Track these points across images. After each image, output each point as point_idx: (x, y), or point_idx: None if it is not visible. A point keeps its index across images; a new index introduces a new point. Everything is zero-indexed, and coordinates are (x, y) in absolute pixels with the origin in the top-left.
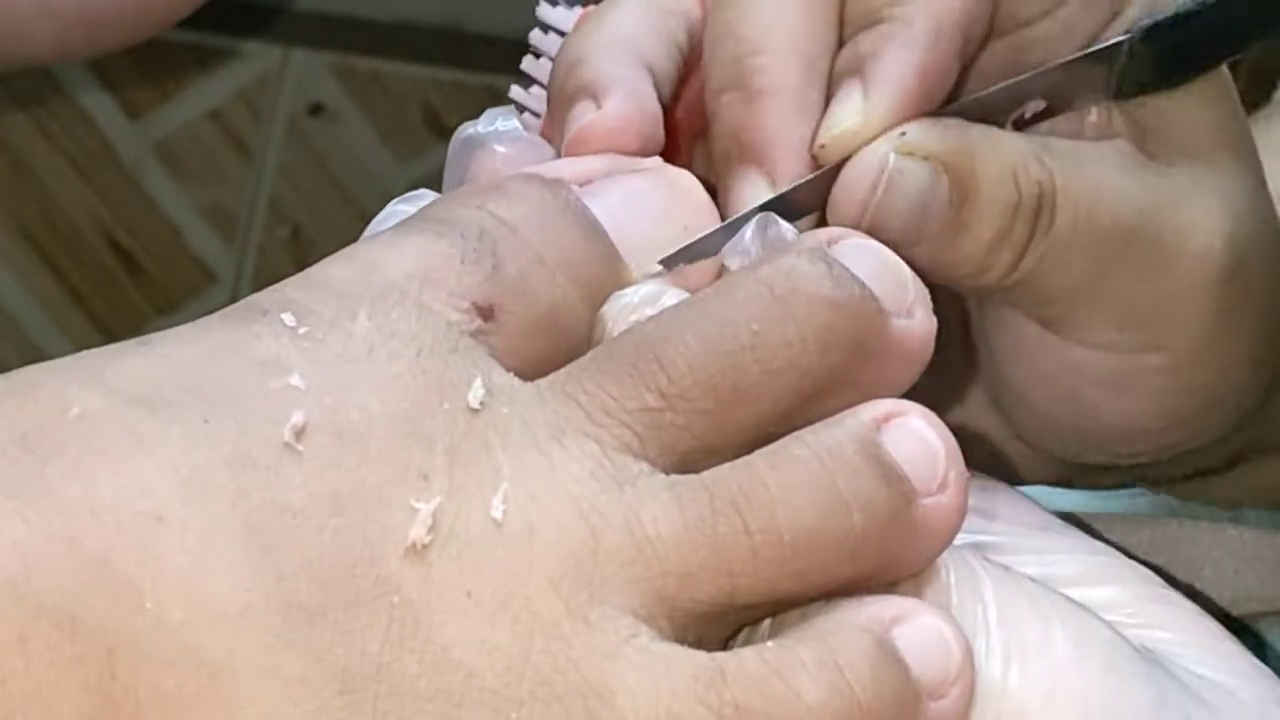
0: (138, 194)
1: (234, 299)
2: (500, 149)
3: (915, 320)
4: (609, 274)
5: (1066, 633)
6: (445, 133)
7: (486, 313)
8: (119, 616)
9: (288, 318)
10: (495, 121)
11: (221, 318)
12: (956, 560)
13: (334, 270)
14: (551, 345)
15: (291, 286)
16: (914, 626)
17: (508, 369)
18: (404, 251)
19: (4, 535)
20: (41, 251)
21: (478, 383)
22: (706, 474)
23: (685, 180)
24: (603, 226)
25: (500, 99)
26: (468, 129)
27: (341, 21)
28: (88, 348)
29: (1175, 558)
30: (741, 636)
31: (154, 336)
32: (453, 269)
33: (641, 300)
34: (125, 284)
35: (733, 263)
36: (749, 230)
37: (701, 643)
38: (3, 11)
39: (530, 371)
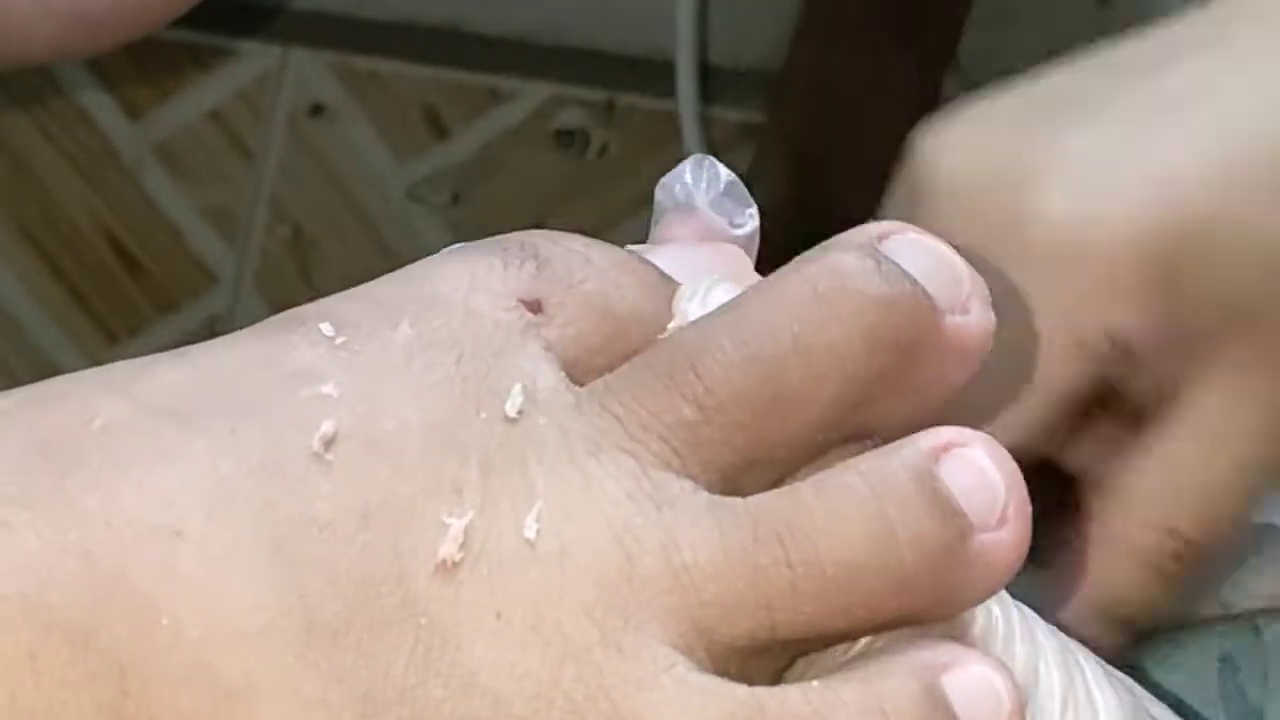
0: (138, 194)
1: (235, 299)
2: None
3: (971, 316)
4: (661, 281)
5: (1111, 710)
6: (445, 132)
7: (534, 306)
8: (133, 633)
9: (326, 328)
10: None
11: (258, 329)
12: (1021, 619)
13: (377, 287)
14: (612, 332)
15: (333, 300)
16: (965, 675)
17: (566, 363)
18: (447, 266)
19: (18, 548)
20: (41, 251)
21: (517, 389)
22: (751, 500)
23: (732, 249)
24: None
25: (500, 99)
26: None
27: (341, 21)
28: (88, 348)
29: None
30: (797, 669)
31: (189, 348)
32: (497, 273)
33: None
34: (125, 283)
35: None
36: (687, 168)
37: (747, 675)
38: (2, 11)
39: (592, 366)
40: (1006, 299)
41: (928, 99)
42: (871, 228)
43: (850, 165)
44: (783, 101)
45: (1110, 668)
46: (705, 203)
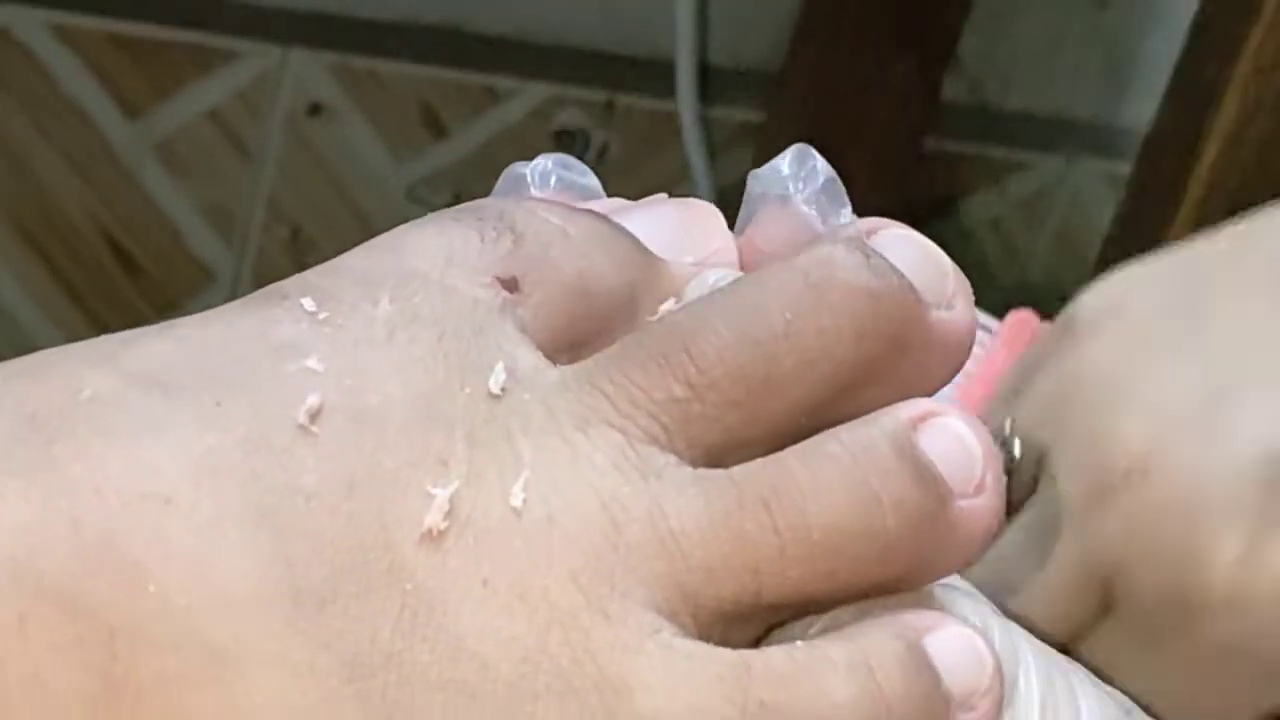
0: (136, 193)
1: (233, 298)
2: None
3: (956, 312)
4: (639, 254)
5: (1090, 697)
6: (444, 132)
7: (510, 284)
8: (122, 598)
9: (308, 302)
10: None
11: (242, 304)
12: (997, 620)
13: (354, 260)
14: (585, 312)
15: (314, 274)
16: (947, 635)
17: (539, 344)
18: (423, 238)
19: (6, 515)
20: (40, 250)
21: (499, 367)
22: (735, 469)
23: (703, 204)
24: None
25: (499, 99)
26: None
27: (341, 21)
28: None
29: None
30: (772, 637)
31: (173, 322)
32: (473, 247)
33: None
34: (124, 283)
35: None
36: (786, 160)
37: (728, 642)
38: None
39: (564, 343)
40: None
41: (928, 99)
42: (862, 222)
43: (850, 165)
44: (783, 101)
45: (1099, 681)
46: (801, 198)
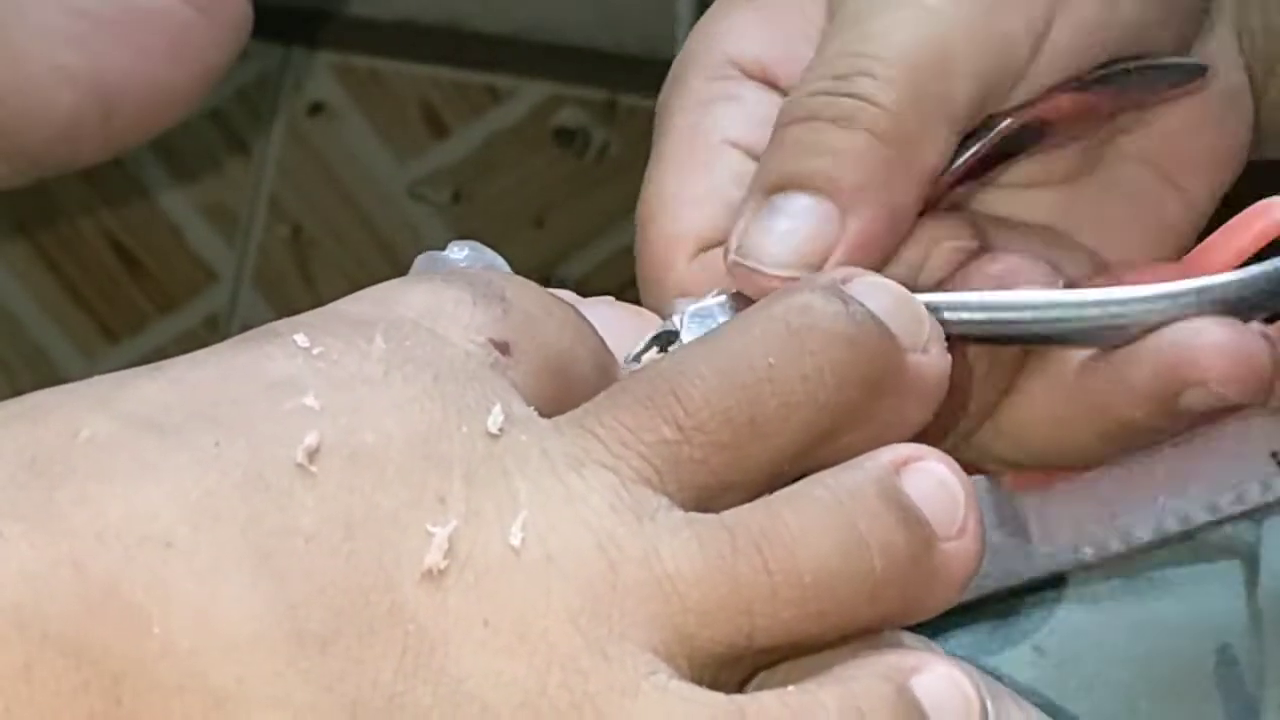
0: (138, 193)
1: (234, 298)
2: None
3: (931, 356)
4: (604, 349)
5: None
6: (445, 132)
7: (503, 348)
8: (126, 643)
9: (300, 339)
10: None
11: (234, 342)
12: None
13: (346, 305)
14: (562, 393)
15: (306, 316)
16: (933, 676)
17: (527, 402)
18: (415, 293)
19: (10, 560)
20: (41, 250)
21: (497, 409)
22: (726, 514)
23: (645, 311)
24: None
25: (499, 98)
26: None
27: (341, 21)
28: (88, 347)
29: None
30: (757, 680)
31: (167, 362)
32: (465, 307)
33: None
34: (125, 283)
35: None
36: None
37: (718, 685)
38: (20, 79)
39: (544, 414)
40: None
41: None
42: (837, 271)
43: None
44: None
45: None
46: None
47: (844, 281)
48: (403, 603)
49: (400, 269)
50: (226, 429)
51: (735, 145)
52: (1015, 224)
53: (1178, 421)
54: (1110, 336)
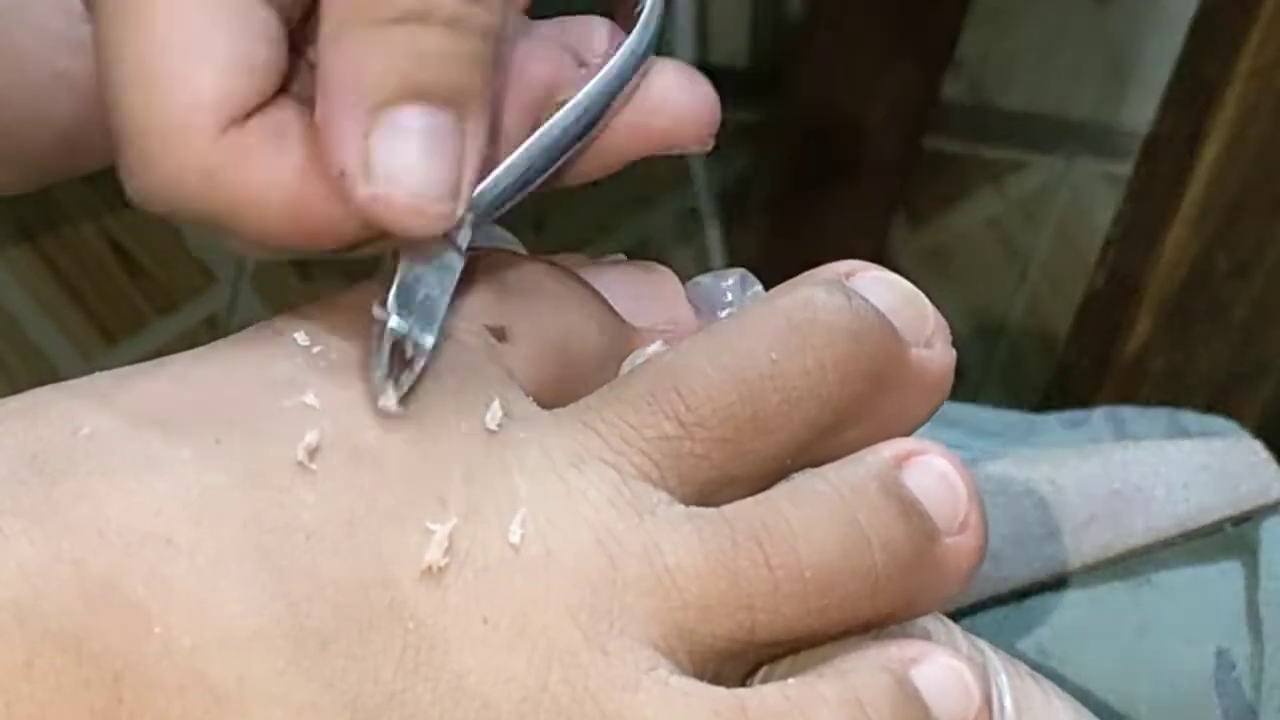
0: None
1: (234, 299)
2: None
3: (934, 351)
4: (611, 317)
5: (1065, 703)
6: None
7: (500, 333)
8: (126, 640)
9: (300, 336)
10: None
11: (234, 339)
12: (966, 637)
13: (346, 297)
14: (565, 370)
15: (304, 309)
16: (934, 666)
17: (526, 393)
18: None
19: (11, 557)
20: (41, 251)
21: (495, 405)
22: (727, 508)
23: (658, 266)
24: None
25: None
26: None
27: None
28: (88, 348)
29: (1128, 482)
30: (760, 675)
31: (167, 359)
32: (463, 294)
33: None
34: (125, 284)
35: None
36: (729, 281)
37: (720, 680)
38: (22, 84)
39: (547, 397)
40: None
41: (927, 99)
42: (840, 265)
43: (850, 164)
44: (783, 101)
45: (1062, 691)
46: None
47: (847, 276)
48: (403, 600)
49: None
50: (227, 426)
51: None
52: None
53: None
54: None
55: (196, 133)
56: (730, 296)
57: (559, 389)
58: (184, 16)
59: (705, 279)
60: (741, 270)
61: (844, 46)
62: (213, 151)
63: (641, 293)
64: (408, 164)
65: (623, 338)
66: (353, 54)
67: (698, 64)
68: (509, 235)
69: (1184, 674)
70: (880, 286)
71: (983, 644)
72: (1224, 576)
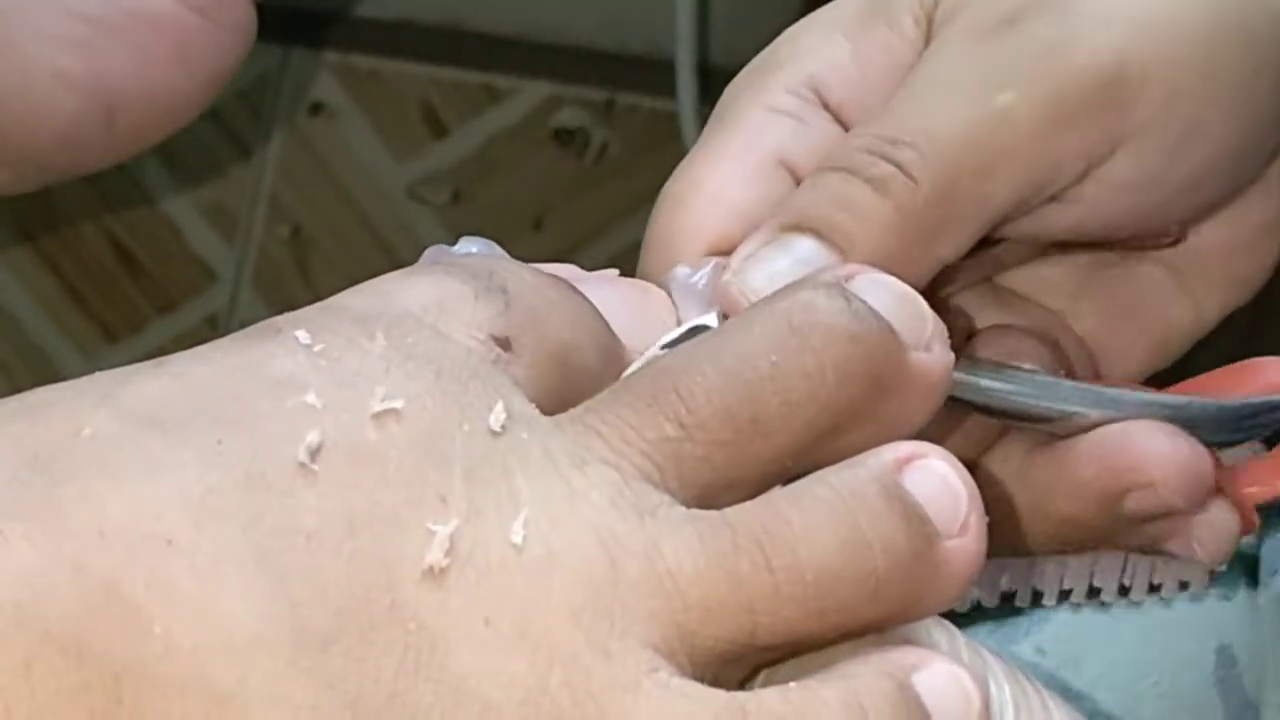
0: (138, 193)
1: (234, 299)
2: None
3: (934, 354)
4: (608, 333)
5: (1062, 710)
6: (444, 132)
7: (504, 343)
8: (126, 642)
9: (302, 335)
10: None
11: (235, 338)
12: (966, 642)
13: (347, 299)
14: (565, 384)
15: (306, 311)
16: (934, 672)
17: (530, 400)
18: (417, 286)
19: (11, 559)
20: (41, 251)
21: (499, 406)
22: (728, 510)
23: (651, 287)
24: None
25: (499, 98)
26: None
27: (341, 21)
28: (88, 347)
29: None
30: (760, 678)
31: (168, 358)
32: (467, 302)
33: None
34: (124, 282)
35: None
36: (703, 271)
37: (720, 683)
38: (22, 84)
39: (547, 409)
40: None
41: None
42: (839, 268)
43: None
44: None
45: (1060, 700)
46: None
47: (847, 278)
48: (404, 601)
49: (399, 269)
50: (228, 427)
51: (787, 167)
52: (1022, 302)
53: (1120, 526)
54: (1064, 427)
55: (682, 252)
56: (704, 287)
57: (559, 401)
58: (725, 160)
59: (680, 271)
60: (715, 260)
61: None
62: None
63: (633, 312)
64: (763, 271)
65: (617, 355)
66: (800, 185)
67: (698, 64)
68: (497, 246)
69: (1185, 672)
70: (879, 288)
71: (982, 648)
72: (1224, 574)
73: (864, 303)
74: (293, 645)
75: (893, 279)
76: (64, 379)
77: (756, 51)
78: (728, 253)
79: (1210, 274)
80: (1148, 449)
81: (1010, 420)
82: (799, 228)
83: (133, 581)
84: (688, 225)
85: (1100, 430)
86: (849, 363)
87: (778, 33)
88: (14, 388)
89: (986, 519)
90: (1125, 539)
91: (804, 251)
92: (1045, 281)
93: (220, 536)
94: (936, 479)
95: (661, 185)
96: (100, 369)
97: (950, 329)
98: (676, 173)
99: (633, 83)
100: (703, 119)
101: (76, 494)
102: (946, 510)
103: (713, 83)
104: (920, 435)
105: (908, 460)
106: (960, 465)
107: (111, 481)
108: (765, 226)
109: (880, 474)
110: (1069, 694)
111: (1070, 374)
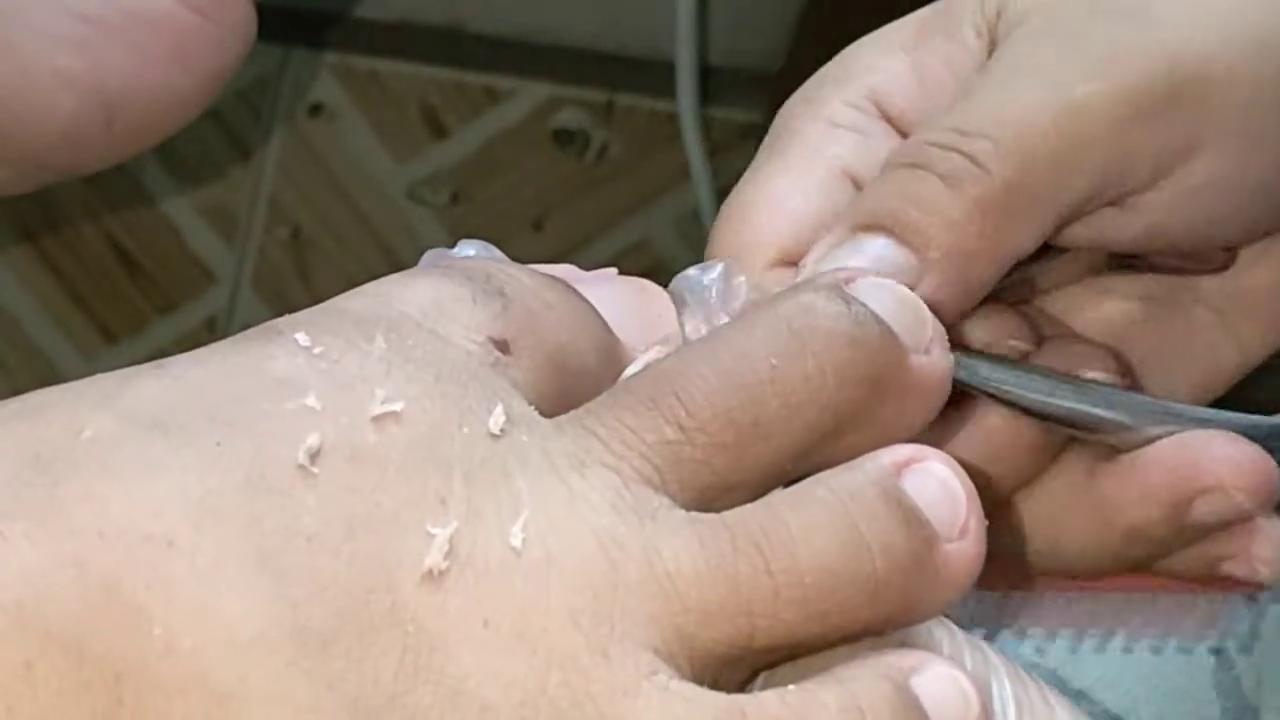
0: (138, 194)
1: (234, 299)
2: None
3: (933, 357)
4: (607, 333)
5: (1064, 706)
6: (444, 132)
7: (503, 346)
8: (127, 642)
9: (302, 337)
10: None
11: (236, 340)
12: (968, 640)
13: (347, 302)
14: (562, 387)
15: (306, 313)
16: (932, 675)
17: (529, 402)
18: (416, 289)
19: (12, 559)
20: (41, 251)
21: (499, 409)
22: (727, 513)
23: (650, 285)
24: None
25: (499, 99)
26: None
27: (341, 21)
28: (88, 348)
29: None
30: (760, 681)
31: (169, 360)
32: (465, 305)
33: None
34: (124, 283)
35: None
36: (714, 274)
37: (719, 685)
38: (22, 84)
39: (546, 410)
40: None
41: None
42: (839, 271)
43: None
44: (782, 101)
45: (1061, 696)
46: (724, 311)
47: (846, 282)
48: (403, 603)
49: (399, 270)
50: (229, 428)
51: (850, 178)
52: (1069, 329)
53: (1187, 534)
54: (1129, 439)
55: (750, 263)
56: (714, 289)
57: (558, 404)
58: (788, 172)
59: (690, 272)
60: (725, 260)
61: (844, 46)
62: (758, 280)
63: (633, 311)
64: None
65: (617, 355)
66: (870, 183)
67: (698, 64)
68: (495, 249)
69: (1184, 673)
70: (879, 292)
71: (985, 647)
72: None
73: (864, 306)
74: (293, 646)
75: (893, 282)
76: (64, 379)
77: (756, 51)
78: (795, 262)
79: (1257, 314)
80: (1214, 454)
81: (1078, 432)
82: (872, 226)
83: (133, 581)
84: (754, 237)
85: (1165, 440)
86: (849, 366)
87: (778, 33)
88: (14, 388)
89: (985, 521)
90: (1188, 563)
91: (878, 250)
92: (1096, 320)
93: (221, 537)
94: (936, 482)
95: (661, 185)
96: (100, 370)
97: (1018, 332)
98: (738, 187)
99: (633, 83)
100: (703, 119)
101: (77, 494)
102: (946, 513)
103: (713, 83)
104: (990, 449)
105: (907, 463)
106: (960, 469)
107: (112, 482)
108: (837, 227)
109: (880, 477)
110: (1069, 694)
111: (1134, 387)
